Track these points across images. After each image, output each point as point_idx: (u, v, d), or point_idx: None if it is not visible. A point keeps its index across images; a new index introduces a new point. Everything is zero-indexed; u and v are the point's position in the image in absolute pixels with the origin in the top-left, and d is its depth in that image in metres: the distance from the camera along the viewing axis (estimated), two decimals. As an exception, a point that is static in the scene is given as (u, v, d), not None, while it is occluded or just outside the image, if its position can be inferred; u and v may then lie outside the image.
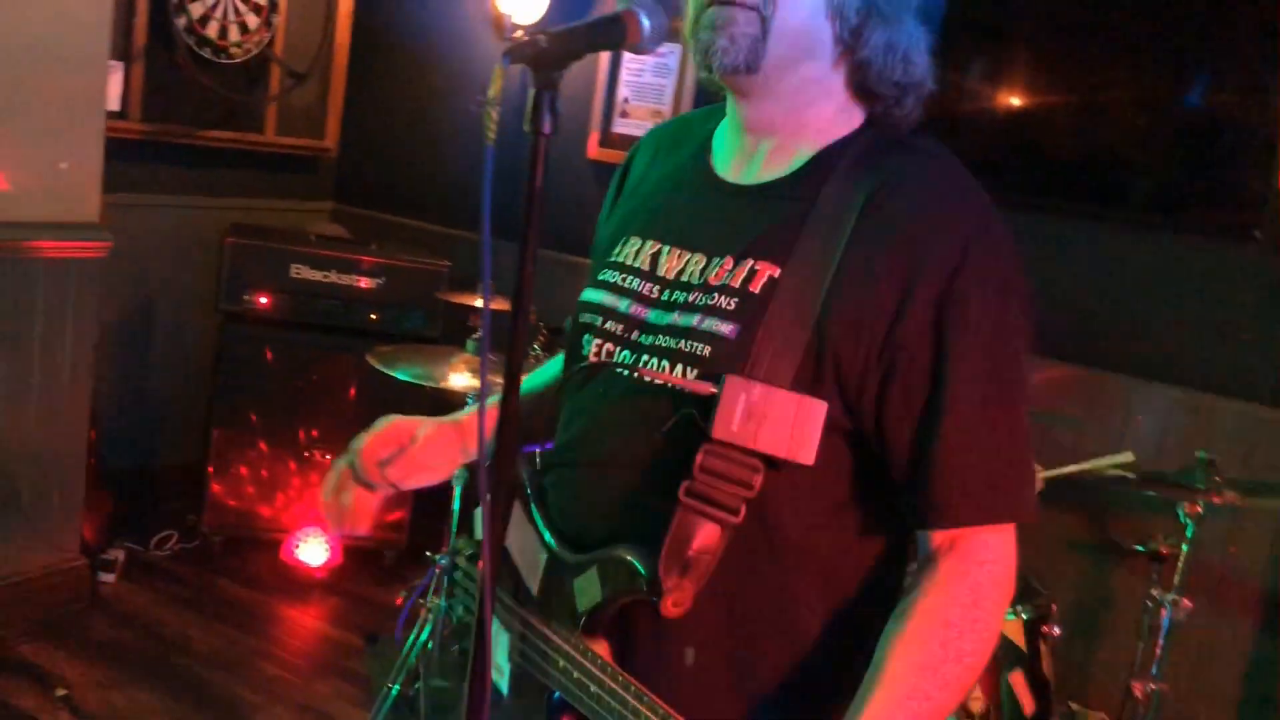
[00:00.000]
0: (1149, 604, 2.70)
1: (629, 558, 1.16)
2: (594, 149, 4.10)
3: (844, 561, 1.22)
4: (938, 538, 1.16)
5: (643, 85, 4.02)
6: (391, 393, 3.16)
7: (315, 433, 3.98)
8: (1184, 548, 2.63)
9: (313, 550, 3.97)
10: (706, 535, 1.12)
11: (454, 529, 2.97)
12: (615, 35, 1.18)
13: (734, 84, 1.24)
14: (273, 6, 4.35)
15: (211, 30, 4.16)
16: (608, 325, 1.27)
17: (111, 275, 3.60)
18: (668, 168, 1.37)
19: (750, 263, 1.19)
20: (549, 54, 1.09)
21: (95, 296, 3.43)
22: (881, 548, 1.23)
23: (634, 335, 1.24)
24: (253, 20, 4.29)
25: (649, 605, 1.14)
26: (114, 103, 3.90)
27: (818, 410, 1.12)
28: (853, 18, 1.20)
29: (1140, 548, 2.77)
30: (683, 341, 1.19)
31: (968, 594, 1.13)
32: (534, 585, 1.28)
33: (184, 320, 4.38)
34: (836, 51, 1.22)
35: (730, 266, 1.20)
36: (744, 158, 1.28)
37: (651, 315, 1.24)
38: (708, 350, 1.17)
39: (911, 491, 1.15)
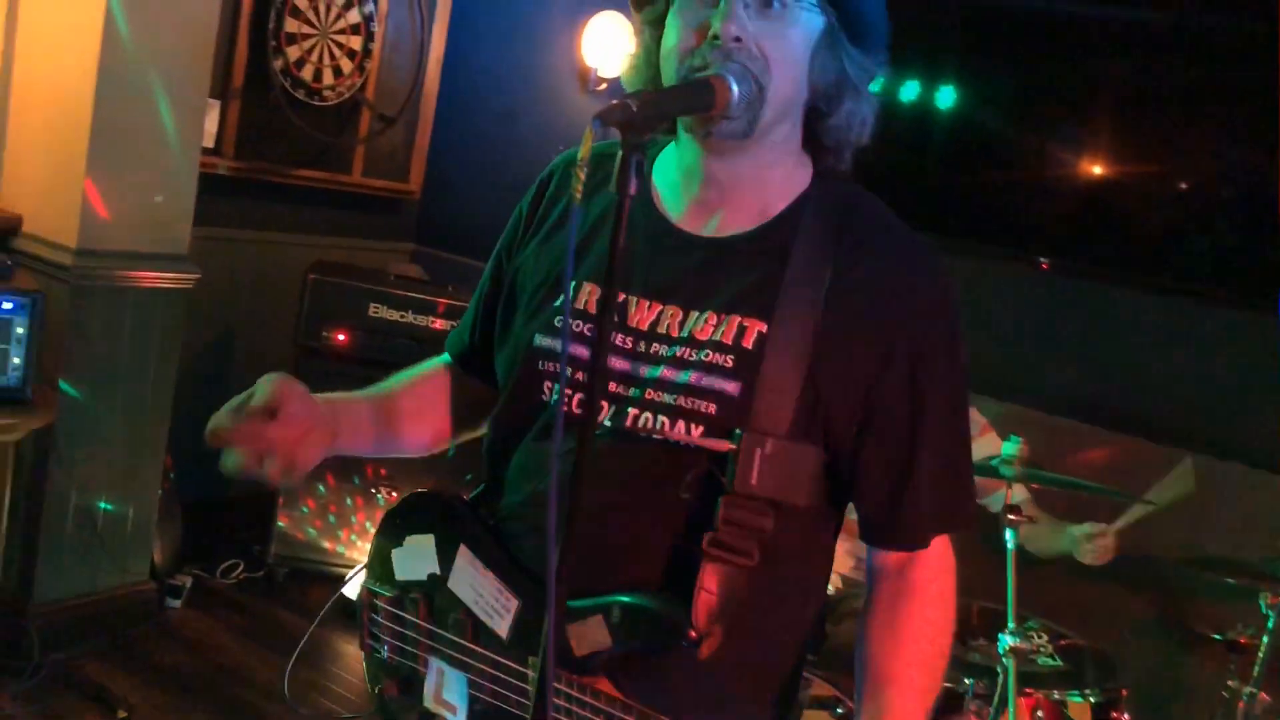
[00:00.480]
0: (1225, 695, 2.61)
1: (653, 606, 1.22)
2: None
3: (818, 571, 1.39)
4: (902, 554, 1.32)
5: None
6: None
7: (383, 471, 4.02)
8: (1264, 639, 2.54)
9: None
10: (732, 581, 1.21)
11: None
12: (705, 101, 1.20)
13: (719, 146, 1.27)
14: (366, 53, 4.47)
15: (307, 73, 4.28)
16: (578, 375, 1.27)
17: (195, 306, 3.69)
18: (603, 206, 1.33)
19: (737, 319, 1.25)
20: (639, 118, 1.11)
21: (180, 326, 3.52)
22: (829, 551, 1.39)
23: (615, 388, 1.26)
24: (347, 65, 4.41)
25: (649, 659, 1.22)
26: (209, 139, 4.02)
27: (815, 457, 1.25)
28: (828, 89, 1.28)
29: (1218, 636, 2.69)
30: (682, 397, 1.24)
31: (938, 596, 1.32)
32: (501, 628, 1.30)
33: (262, 353, 4.45)
34: (802, 115, 1.31)
35: (716, 322, 1.25)
36: (702, 209, 1.31)
37: (632, 368, 1.26)
38: (713, 408, 1.23)
39: (882, 516, 1.30)
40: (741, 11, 1.21)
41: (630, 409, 1.25)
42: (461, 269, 4.66)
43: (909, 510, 1.28)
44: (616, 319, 1.27)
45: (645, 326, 1.28)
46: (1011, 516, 2.51)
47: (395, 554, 1.43)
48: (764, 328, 1.23)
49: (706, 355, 1.24)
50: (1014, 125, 3.56)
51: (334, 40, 4.35)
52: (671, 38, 1.26)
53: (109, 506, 3.45)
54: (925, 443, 1.27)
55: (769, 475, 1.20)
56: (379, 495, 4.02)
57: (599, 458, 1.22)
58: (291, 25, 4.20)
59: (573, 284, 1.30)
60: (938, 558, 1.34)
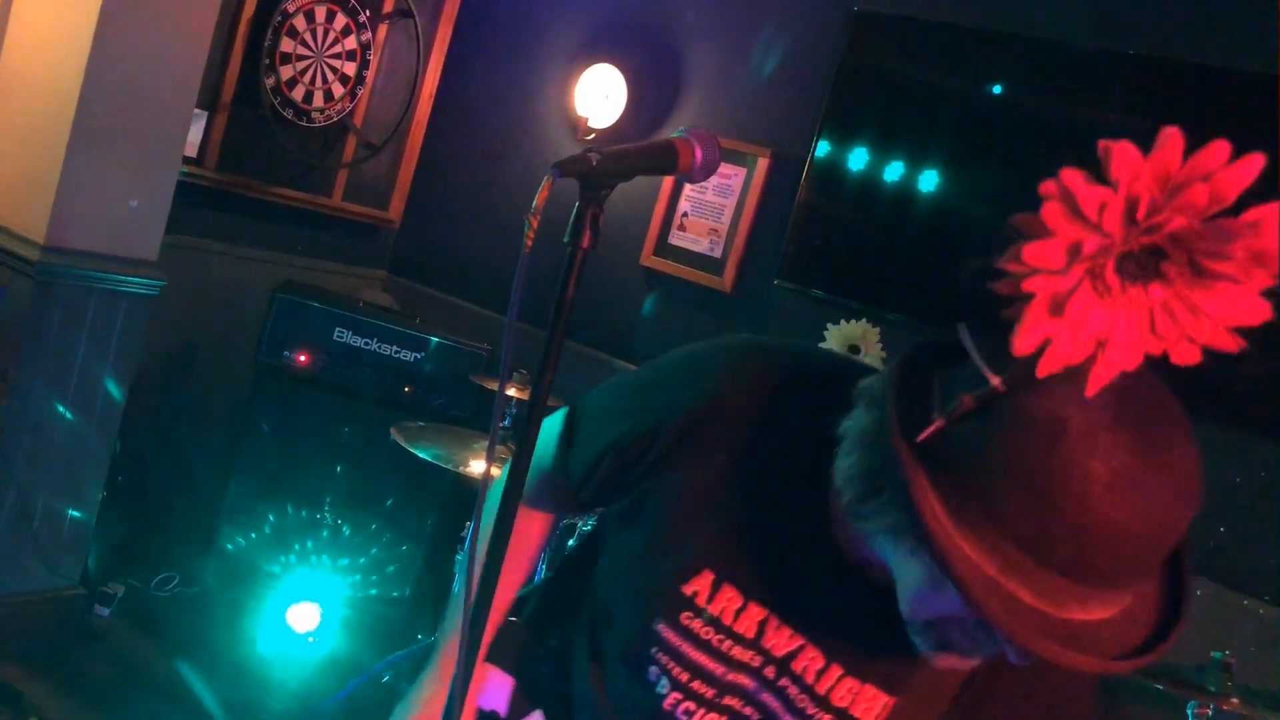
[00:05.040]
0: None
1: None
2: (647, 256, 4.14)
3: None
4: None
5: (704, 202, 4.08)
6: (414, 466, 3.16)
7: (331, 498, 3.98)
8: (1191, 748, 2.53)
9: (305, 615, 3.94)
10: None
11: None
12: (667, 162, 1.19)
13: None
14: (359, 79, 4.49)
15: (297, 93, 4.29)
16: (694, 684, 1.17)
17: (158, 313, 3.66)
18: (771, 488, 1.13)
19: (872, 690, 1.13)
20: (598, 172, 1.11)
21: (140, 333, 3.49)
22: None
23: (727, 701, 1.17)
24: (338, 89, 4.43)
25: None
26: (192, 149, 4.02)
27: None
28: None
29: (1145, 742, 2.68)
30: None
31: None
32: None
33: (222, 368, 4.43)
34: None
35: (855, 689, 1.13)
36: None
37: (763, 697, 1.16)
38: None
39: None
40: None
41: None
42: (432, 301, 4.66)
43: None
44: (753, 637, 1.15)
45: (781, 654, 1.15)
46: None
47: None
48: (890, 702, 1.12)
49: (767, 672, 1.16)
50: (995, 215, 3.60)
51: (328, 64, 4.36)
52: None
53: (47, 507, 3.39)
54: None
55: None
56: (324, 519, 3.98)
57: None
58: (287, 45, 4.21)
59: (719, 582, 1.15)
60: None
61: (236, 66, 4.11)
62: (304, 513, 3.98)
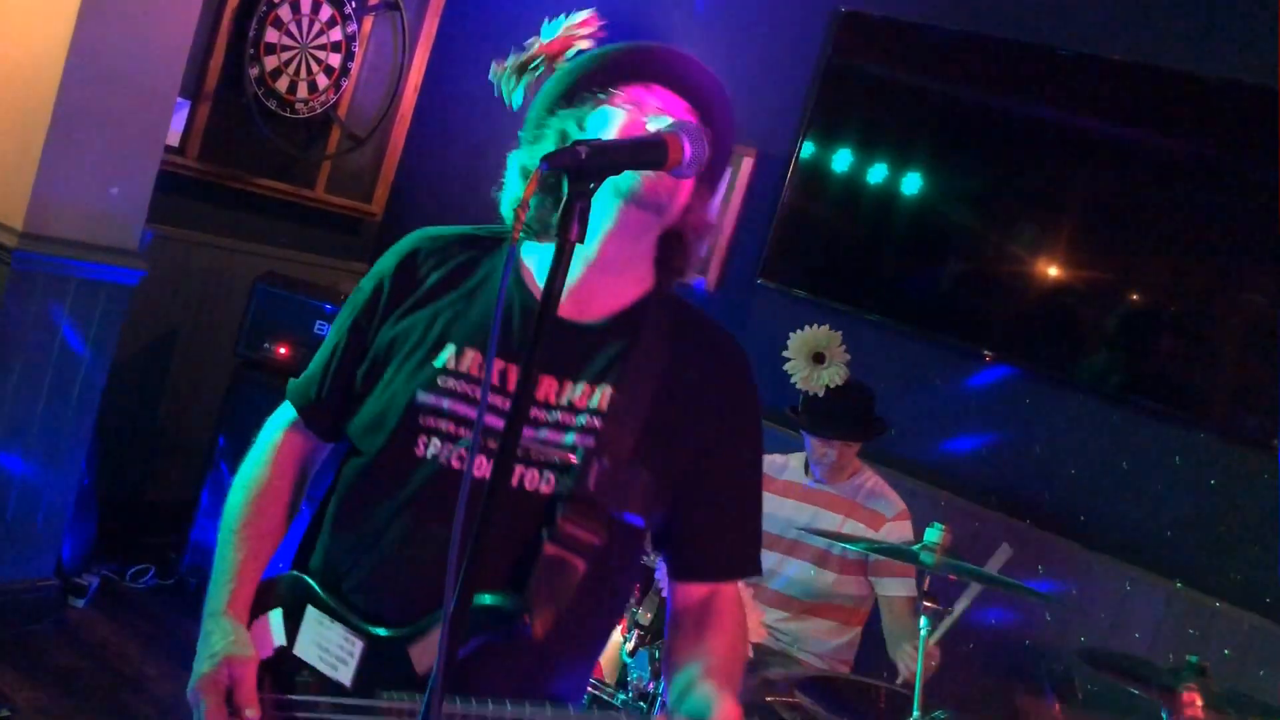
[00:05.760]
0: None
1: (490, 601, 1.34)
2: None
3: (627, 583, 1.60)
4: (708, 586, 1.54)
5: (689, 201, 4.09)
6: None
7: (309, 490, 3.95)
8: (1165, 752, 2.54)
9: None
10: (565, 573, 1.37)
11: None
12: (655, 156, 1.21)
13: (627, 222, 1.42)
14: (344, 71, 4.47)
15: (281, 84, 4.27)
16: (460, 432, 1.40)
17: (138, 303, 3.64)
18: (481, 286, 1.50)
19: (601, 387, 1.43)
20: (588, 166, 1.11)
21: (119, 323, 3.46)
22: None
23: (490, 445, 1.38)
24: (323, 81, 4.41)
25: (501, 643, 1.35)
26: (174, 138, 3.99)
27: (646, 479, 1.42)
28: (699, 222, 1.51)
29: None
30: (554, 452, 1.39)
31: (740, 624, 1.55)
32: (346, 676, 1.41)
33: (201, 358, 4.40)
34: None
35: (589, 392, 1.43)
36: (574, 295, 1.44)
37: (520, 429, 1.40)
38: (575, 459, 1.39)
39: (697, 549, 1.53)
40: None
41: (515, 465, 1.38)
42: (414, 296, 4.63)
43: (727, 546, 1.53)
44: (499, 384, 1.41)
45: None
46: (926, 604, 2.50)
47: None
48: (614, 390, 1.42)
49: (585, 420, 1.40)
50: (976, 219, 3.61)
51: (313, 55, 4.34)
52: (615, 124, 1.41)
53: (21, 496, 3.36)
54: (741, 491, 1.54)
55: (603, 485, 1.38)
56: (301, 511, 3.95)
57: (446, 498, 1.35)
58: (272, 35, 4.19)
59: (459, 349, 1.44)
60: (735, 591, 1.57)
61: (220, 56, 4.08)
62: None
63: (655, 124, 1.32)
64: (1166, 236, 3.34)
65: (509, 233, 1.52)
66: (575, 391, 1.42)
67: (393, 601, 1.41)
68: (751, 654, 2.42)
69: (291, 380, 1.64)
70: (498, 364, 1.41)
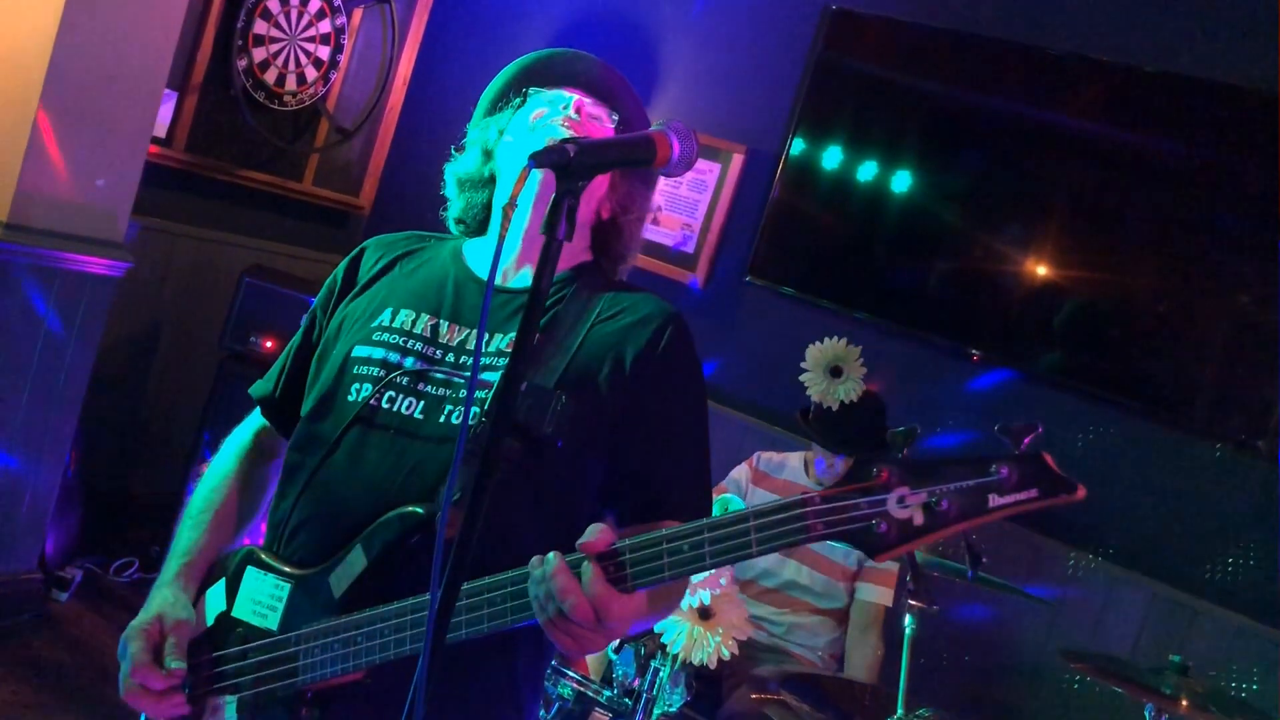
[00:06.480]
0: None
1: (402, 510, 1.38)
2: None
3: (558, 501, 1.53)
4: (649, 528, 1.49)
5: (678, 197, 4.08)
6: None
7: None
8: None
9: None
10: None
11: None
12: (644, 155, 1.20)
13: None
14: (333, 64, 4.45)
15: (270, 76, 4.25)
16: (394, 377, 1.48)
17: (124, 294, 3.61)
18: (421, 265, 1.65)
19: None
20: (576, 164, 1.11)
21: (104, 315, 3.44)
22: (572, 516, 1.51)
23: (422, 386, 1.47)
24: (311, 73, 4.39)
25: (408, 557, 1.38)
26: (161, 130, 3.97)
27: (568, 405, 1.39)
28: (634, 209, 1.59)
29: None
30: (477, 391, 1.43)
31: None
32: (275, 622, 1.47)
33: (186, 352, 4.38)
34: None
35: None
36: (512, 269, 1.57)
37: (440, 373, 1.49)
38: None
39: (636, 490, 1.50)
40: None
41: (447, 406, 1.45)
42: (402, 290, 4.62)
43: (670, 488, 1.50)
44: (429, 335, 1.51)
45: (454, 343, 1.51)
46: (913, 602, 2.51)
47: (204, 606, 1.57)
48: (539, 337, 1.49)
49: (500, 362, 1.47)
50: (965, 219, 3.62)
51: (302, 47, 4.32)
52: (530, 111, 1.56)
53: (4, 489, 3.34)
54: (678, 433, 1.53)
55: (522, 406, 1.36)
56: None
57: (396, 436, 1.46)
58: (261, 27, 4.17)
59: (396, 311, 1.54)
60: None
61: (208, 47, 4.06)
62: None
63: (561, 115, 1.50)
64: (1153, 237, 3.35)
65: (455, 237, 1.69)
66: (502, 343, 1.49)
67: (319, 540, 1.46)
68: (738, 651, 2.42)
69: (256, 382, 1.75)
70: (430, 319, 1.52)
